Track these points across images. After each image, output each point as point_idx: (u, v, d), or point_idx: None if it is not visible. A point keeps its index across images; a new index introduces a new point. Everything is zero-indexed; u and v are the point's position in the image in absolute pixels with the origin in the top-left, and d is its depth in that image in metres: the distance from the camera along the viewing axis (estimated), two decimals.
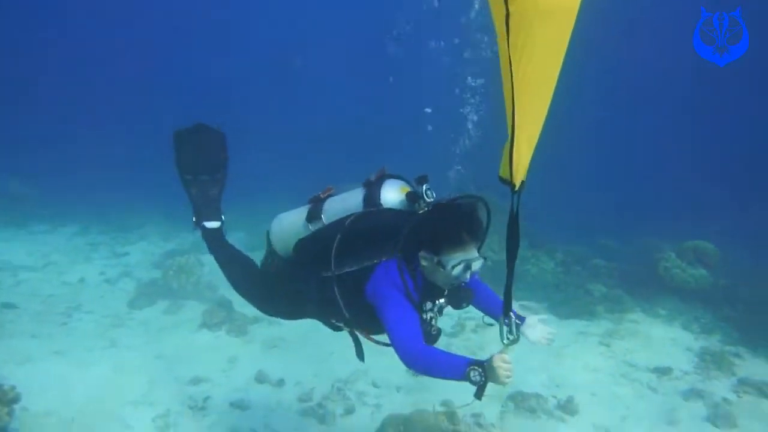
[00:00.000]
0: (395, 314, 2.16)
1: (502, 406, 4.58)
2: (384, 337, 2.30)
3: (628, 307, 6.96)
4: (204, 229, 3.28)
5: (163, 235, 10.89)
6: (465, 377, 2.00)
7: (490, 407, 4.54)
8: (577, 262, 8.01)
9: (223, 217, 3.35)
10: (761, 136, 16.40)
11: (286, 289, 2.76)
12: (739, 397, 4.96)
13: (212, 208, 3.33)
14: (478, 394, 2.02)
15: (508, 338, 2.02)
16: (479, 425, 4.31)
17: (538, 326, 2.51)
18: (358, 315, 2.39)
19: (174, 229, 10.92)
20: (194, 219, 3.33)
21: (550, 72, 1.48)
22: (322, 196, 2.70)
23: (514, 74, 1.38)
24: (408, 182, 2.57)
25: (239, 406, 4.55)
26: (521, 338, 2.17)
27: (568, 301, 6.56)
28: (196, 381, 4.89)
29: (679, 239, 8.10)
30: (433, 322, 2.37)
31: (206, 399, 4.61)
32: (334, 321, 2.65)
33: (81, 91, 22.60)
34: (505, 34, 1.31)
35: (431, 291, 2.33)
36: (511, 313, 2.00)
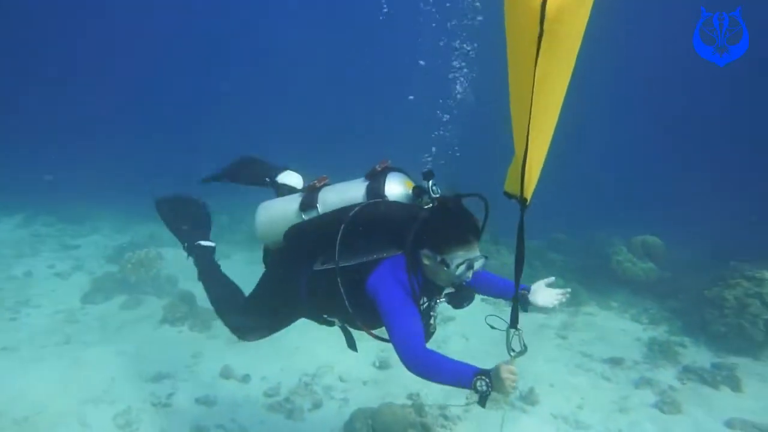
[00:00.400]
0: (398, 313, 2.11)
1: (467, 398, 4.72)
2: (383, 331, 2.24)
3: (584, 300, 7.29)
4: (199, 248, 3.17)
5: (117, 227, 10.54)
6: (471, 386, 1.97)
7: (455, 399, 4.67)
8: (536, 256, 8.29)
9: (214, 243, 3.29)
10: (709, 136, 17.38)
11: (276, 291, 2.67)
12: (683, 384, 5.31)
13: (203, 232, 3.27)
14: (482, 403, 2.00)
15: (513, 350, 2.00)
16: (445, 417, 4.43)
17: (546, 291, 2.53)
18: (359, 308, 2.30)
19: (128, 222, 10.57)
20: (185, 244, 3.22)
21: (561, 92, 1.49)
22: (317, 184, 2.60)
23: (535, 97, 1.36)
24: (408, 175, 2.53)
25: (205, 402, 4.49)
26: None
27: None
28: (159, 377, 4.77)
29: (627, 233, 8.53)
30: (432, 321, 2.35)
31: (170, 395, 4.52)
32: (326, 316, 2.56)
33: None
34: (534, 56, 1.28)
35: (431, 289, 2.31)
36: (519, 327, 1.99)
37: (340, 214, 2.38)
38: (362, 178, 2.52)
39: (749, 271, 6.38)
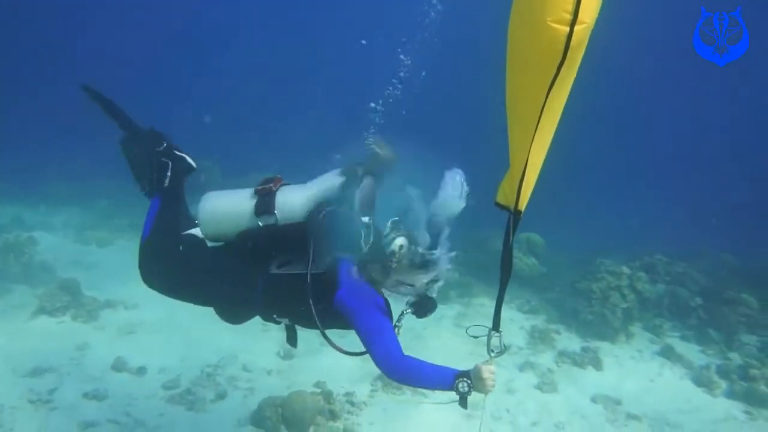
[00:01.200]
0: (372, 324, 2.14)
1: (372, 385, 4.88)
2: (333, 334, 2.29)
3: (476, 292, 7.84)
4: (179, 159, 2.65)
5: None
6: (452, 388, 2.04)
7: (360, 386, 4.81)
8: None
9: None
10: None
11: (226, 288, 2.45)
12: (558, 366, 5.97)
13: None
14: (464, 404, 2.06)
15: (492, 350, 2.08)
16: (351, 404, 4.55)
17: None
18: (324, 315, 2.26)
19: None
20: (164, 145, 2.63)
21: (561, 108, 1.54)
22: (273, 187, 2.42)
23: (542, 119, 1.43)
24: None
25: (95, 396, 4.15)
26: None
27: None
28: (37, 372, 4.30)
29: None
30: (398, 330, 2.36)
31: (52, 391, 4.10)
32: (276, 316, 2.46)
33: None
34: (548, 81, 1.34)
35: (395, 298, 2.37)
36: (500, 330, 2.07)
37: (309, 225, 2.31)
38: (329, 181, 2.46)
39: (612, 267, 7.33)
